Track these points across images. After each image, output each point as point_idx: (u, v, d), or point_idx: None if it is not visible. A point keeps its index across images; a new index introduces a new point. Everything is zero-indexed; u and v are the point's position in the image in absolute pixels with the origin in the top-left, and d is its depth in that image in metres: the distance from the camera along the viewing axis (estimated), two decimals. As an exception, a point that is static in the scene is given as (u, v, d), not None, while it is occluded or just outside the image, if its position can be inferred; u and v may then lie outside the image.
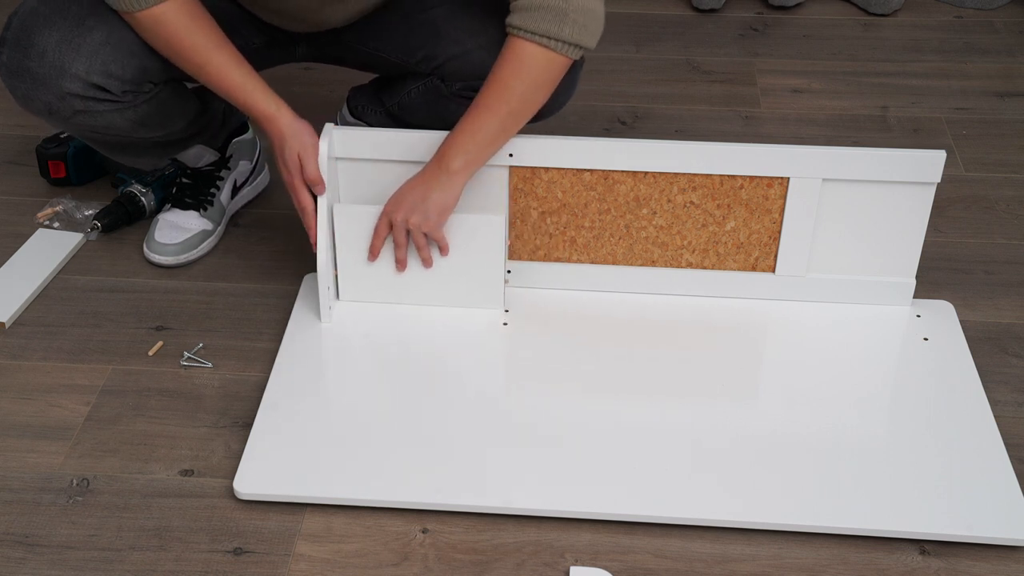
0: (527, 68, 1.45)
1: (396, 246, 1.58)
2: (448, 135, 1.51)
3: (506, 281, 1.64)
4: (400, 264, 1.60)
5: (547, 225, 1.64)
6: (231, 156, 1.86)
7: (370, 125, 1.86)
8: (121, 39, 1.48)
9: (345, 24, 1.64)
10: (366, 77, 1.86)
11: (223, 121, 1.82)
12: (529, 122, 1.63)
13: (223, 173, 1.84)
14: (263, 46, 1.68)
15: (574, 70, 1.61)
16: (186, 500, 1.39)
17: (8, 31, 1.49)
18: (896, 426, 1.46)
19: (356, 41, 1.69)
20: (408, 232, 1.56)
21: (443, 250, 1.59)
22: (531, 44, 1.44)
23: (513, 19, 1.44)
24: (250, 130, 1.91)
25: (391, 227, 1.56)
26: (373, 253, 1.59)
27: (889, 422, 1.47)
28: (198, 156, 1.81)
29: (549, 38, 1.43)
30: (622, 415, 1.47)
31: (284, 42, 1.69)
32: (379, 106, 1.82)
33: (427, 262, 1.60)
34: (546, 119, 1.65)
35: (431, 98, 1.69)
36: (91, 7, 1.47)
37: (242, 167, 1.87)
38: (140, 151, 1.69)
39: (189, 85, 1.64)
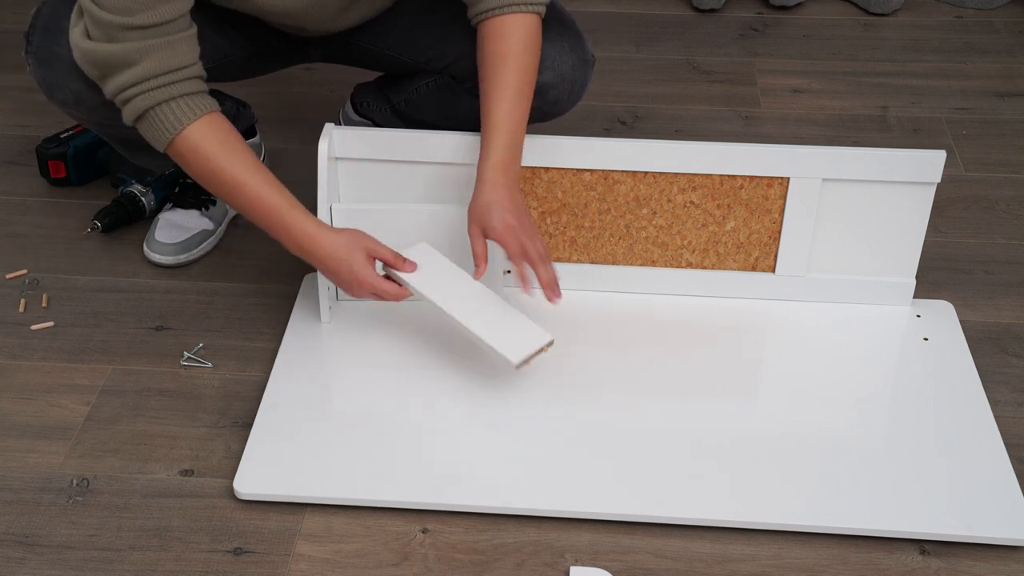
0: (527, 38, 1.47)
1: (543, 260, 1.45)
2: (492, 136, 1.45)
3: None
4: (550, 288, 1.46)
5: (547, 225, 1.64)
6: None
7: (375, 122, 1.86)
8: None
9: (356, 26, 1.64)
10: (371, 75, 1.86)
11: (232, 123, 1.81)
12: (537, 121, 1.64)
13: None
14: (281, 48, 1.69)
15: (587, 69, 1.61)
16: (186, 500, 1.39)
17: (38, 19, 1.50)
18: (896, 426, 1.46)
19: (367, 42, 1.69)
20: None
21: (545, 260, 1.46)
22: (520, 15, 1.46)
23: (489, 3, 1.46)
24: (258, 134, 1.91)
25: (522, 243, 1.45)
26: (476, 268, 1.47)
27: (889, 422, 1.47)
28: None
29: (530, 3, 1.46)
30: (622, 415, 1.47)
31: (300, 44, 1.70)
32: (385, 103, 1.83)
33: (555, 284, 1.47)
34: (555, 119, 1.65)
35: (442, 95, 1.69)
36: None
37: None
38: (155, 150, 1.69)
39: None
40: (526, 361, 1.45)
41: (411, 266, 1.49)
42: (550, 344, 1.46)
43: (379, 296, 1.47)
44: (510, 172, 1.46)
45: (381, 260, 1.48)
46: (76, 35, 1.39)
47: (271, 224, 1.45)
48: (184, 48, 1.39)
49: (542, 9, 1.48)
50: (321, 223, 1.46)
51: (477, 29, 1.49)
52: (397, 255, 1.48)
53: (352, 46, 1.70)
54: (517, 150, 1.48)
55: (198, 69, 1.42)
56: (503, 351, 1.44)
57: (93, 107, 1.50)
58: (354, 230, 1.48)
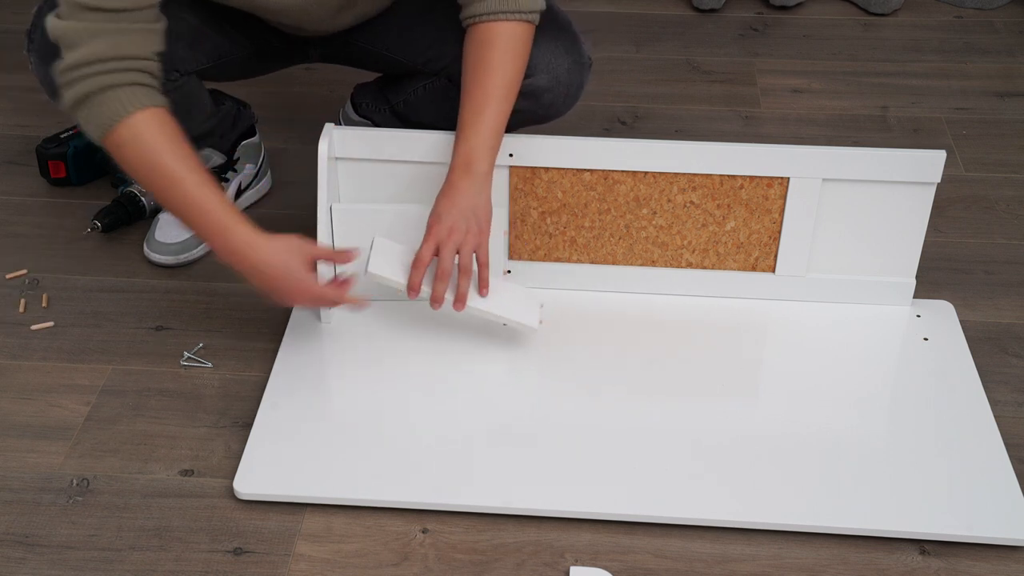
0: (511, 44, 1.46)
1: (439, 277, 1.45)
2: (460, 137, 1.47)
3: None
4: (438, 301, 1.47)
5: (547, 225, 1.64)
6: (238, 159, 1.86)
7: (375, 123, 1.86)
8: None
9: (354, 26, 1.64)
10: (371, 75, 1.86)
11: (233, 123, 1.82)
12: (534, 124, 1.64)
13: (228, 175, 1.84)
14: (281, 47, 1.69)
15: (583, 72, 1.61)
16: (186, 500, 1.39)
17: (39, 17, 1.48)
18: (896, 426, 1.46)
19: (366, 43, 1.69)
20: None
21: (484, 283, 1.49)
22: (502, 23, 1.45)
23: (474, 8, 1.45)
24: (257, 134, 1.91)
25: (434, 255, 1.45)
26: (414, 288, 1.46)
27: (889, 422, 1.47)
28: (206, 159, 1.81)
29: (514, 12, 1.45)
30: (622, 415, 1.47)
31: (299, 44, 1.70)
32: (384, 104, 1.83)
33: (464, 299, 1.47)
34: (552, 121, 1.65)
35: (439, 97, 1.69)
36: None
37: (247, 170, 1.88)
38: None
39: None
40: (540, 321, 1.57)
41: (350, 256, 1.47)
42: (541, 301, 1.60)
43: (318, 301, 1.46)
44: (471, 172, 1.45)
45: (322, 258, 1.46)
46: (49, 15, 1.36)
47: (206, 224, 1.41)
48: (140, 39, 1.37)
49: (535, 18, 1.48)
50: (259, 230, 1.42)
51: (466, 32, 1.49)
52: (337, 251, 1.47)
53: (351, 46, 1.70)
54: (484, 151, 1.46)
55: (152, 65, 1.39)
56: (522, 320, 1.54)
57: None
58: (290, 236, 1.45)
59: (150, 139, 1.38)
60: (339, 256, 1.48)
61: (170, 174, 1.39)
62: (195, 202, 1.40)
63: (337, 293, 1.47)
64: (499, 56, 1.46)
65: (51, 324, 1.66)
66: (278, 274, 1.42)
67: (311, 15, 1.55)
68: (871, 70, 2.31)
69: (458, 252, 1.45)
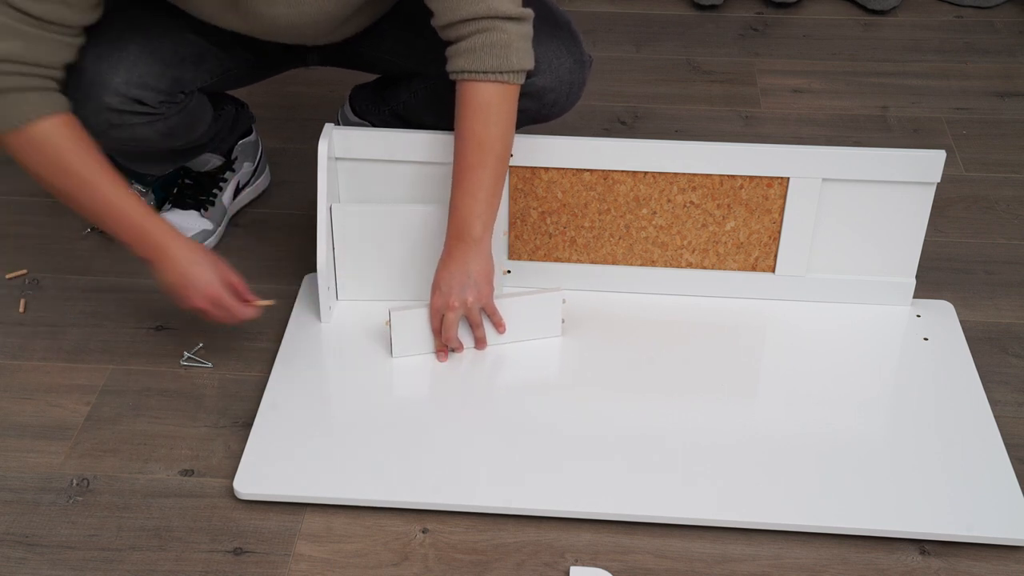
0: (494, 110, 1.45)
1: (449, 339, 1.52)
2: (452, 205, 1.48)
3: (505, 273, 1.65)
4: (459, 352, 1.56)
5: (547, 225, 1.64)
6: (235, 158, 1.86)
7: (373, 124, 1.86)
8: (154, 51, 1.49)
9: (353, 34, 1.64)
10: (368, 76, 1.86)
11: (232, 126, 1.82)
12: (535, 123, 1.63)
13: (227, 175, 1.84)
14: (279, 53, 1.68)
15: (584, 70, 1.61)
16: (186, 500, 1.39)
17: None
18: (896, 426, 1.46)
19: (365, 47, 1.69)
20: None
21: (499, 326, 1.56)
22: (488, 84, 1.43)
23: (460, 63, 1.43)
24: (254, 132, 1.91)
25: (443, 320, 1.51)
26: (442, 355, 1.55)
27: (889, 422, 1.47)
28: (205, 161, 1.81)
29: (501, 72, 1.43)
30: (622, 415, 1.47)
31: (298, 50, 1.69)
32: (383, 104, 1.82)
33: (483, 342, 1.56)
34: (554, 120, 1.65)
35: (439, 97, 1.69)
36: (123, 23, 1.48)
37: (245, 168, 1.88)
38: (159, 159, 1.70)
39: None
40: (563, 320, 1.60)
41: (251, 298, 1.51)
42: (562, 295, 1.58)
43: (215, 304, 1.47)
44: (464, 239, 1.48)
45: (230, 283, 1.49)
46: None
47: (123, 221, 1.44)
48: (55, 48, 1.37)
49: (520, 78, 1.45)
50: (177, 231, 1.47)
51: (455, 86, 1.47)
52: (246, 287, 1.50)
53: (349, 51, 1.70)
54: (474, 217, 1.46)
55: (61, 75, 1.40)
56: (544, 335, 1.59)
57: (101, 131, 1.49)
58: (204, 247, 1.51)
59: (62, 143, 1.40)
60: (246, 293, 1.50)
61: (83, 176, 1.42)
62: (111, 202, 1.44)
63: (239, 308, 1.49)
64: (484, 124, 1.45)
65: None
66: (195, 269, 1.45)
67: (307, 36, 1.56)
68: (871, 70, 2.31)
69: (465, 315, 1.51)
